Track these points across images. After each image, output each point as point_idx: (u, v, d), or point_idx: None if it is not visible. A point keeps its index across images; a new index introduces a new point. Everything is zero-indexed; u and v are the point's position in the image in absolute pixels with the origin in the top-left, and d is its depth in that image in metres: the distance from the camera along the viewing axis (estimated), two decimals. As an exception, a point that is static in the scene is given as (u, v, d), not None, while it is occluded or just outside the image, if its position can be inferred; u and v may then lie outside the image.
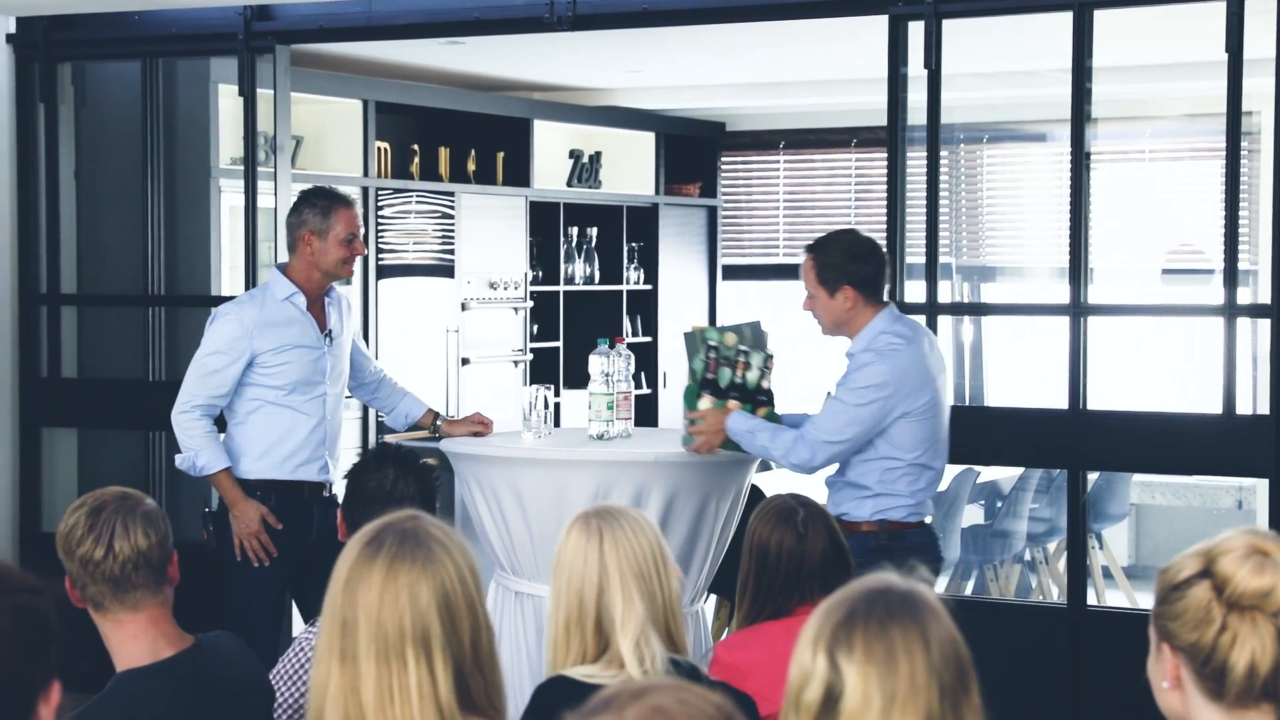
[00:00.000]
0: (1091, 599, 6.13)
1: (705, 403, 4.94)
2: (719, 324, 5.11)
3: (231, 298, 5.49)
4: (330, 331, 5.23)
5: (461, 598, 2.29)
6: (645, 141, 9.54)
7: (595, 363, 5.28)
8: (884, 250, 4.88)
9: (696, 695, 1.57)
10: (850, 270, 4.78)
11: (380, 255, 7.76)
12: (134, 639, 2.93)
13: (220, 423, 5.19)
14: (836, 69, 8.21)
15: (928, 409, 4.79)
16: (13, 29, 6.60)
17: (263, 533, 5.06)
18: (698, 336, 5.01)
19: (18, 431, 6.65)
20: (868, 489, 4.77)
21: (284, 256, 5.38)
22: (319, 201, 5.17)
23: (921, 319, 5.49)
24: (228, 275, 6.69)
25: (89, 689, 2.87)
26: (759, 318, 5.11)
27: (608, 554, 2.97)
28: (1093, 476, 7.70)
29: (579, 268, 9.17)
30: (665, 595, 3.01)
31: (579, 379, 7.58)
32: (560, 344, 8.95)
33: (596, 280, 9.27)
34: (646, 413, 9.08)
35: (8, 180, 6.61)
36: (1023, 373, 9.26)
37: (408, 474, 3.83)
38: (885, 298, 4.85)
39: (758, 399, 4.96)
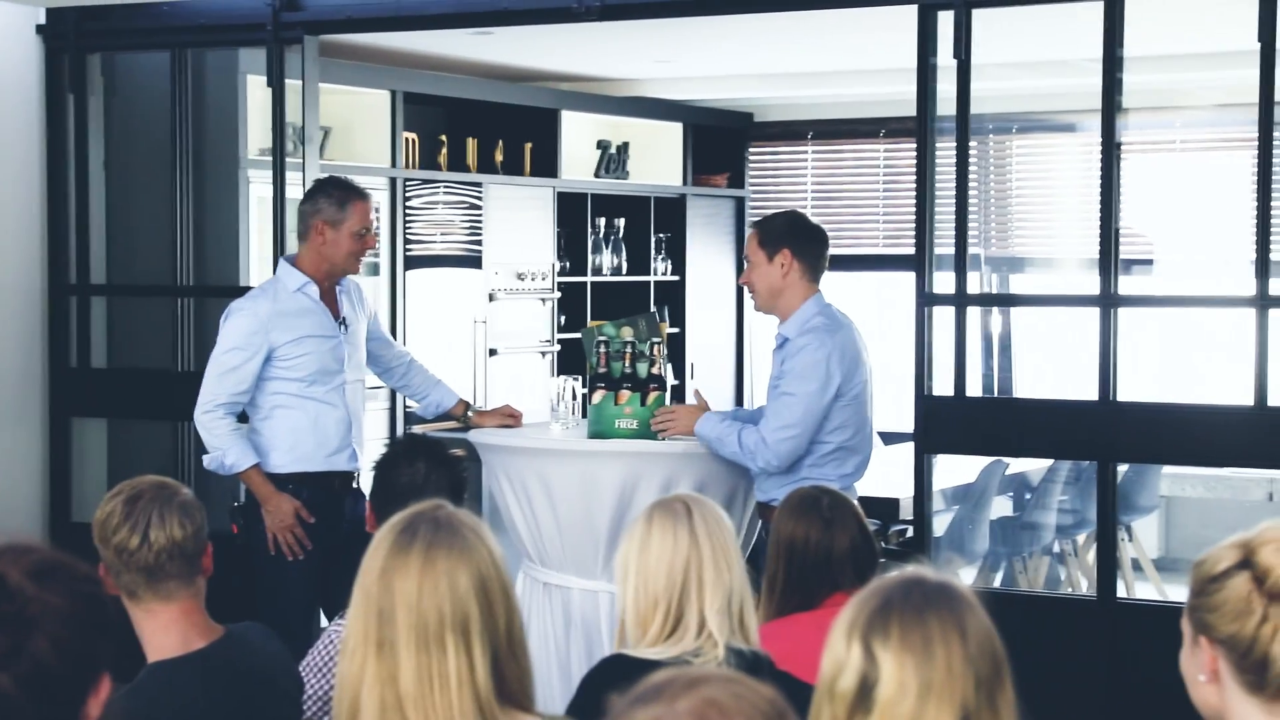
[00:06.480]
0: (1121, 591, 6.09)
1: (598, 396, 5.15)
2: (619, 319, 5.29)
3: (260, 288, 5.48)
4: (344, 319, 5.21)
5: (497, 583, 2.29)
6: (673, 132, 9.52)
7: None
8: (827, 237, 5.04)
9: (749, 688, 1.56)
10: (790, 238, 4.93)
11: (408, 246, 7.75)
12: (165, 629, 2.94)
13: (242, 418, 5.18)
14: (865, 59, 8.18)
15: (859, 392, 4.87)
16: (43, 20, 6.61)
17: (297, 526, 5.05)
18: (592, 334, 5.20)
19: (48, 422, 6.67)
20: (796, 472, 4.80)
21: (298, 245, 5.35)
22: (335, 192, 5.13)
23: (950, 310, 5.48)
24: (256, 266, 6.69)
25: (120, 678, 2.87)
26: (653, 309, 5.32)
27: (698, 529, 2.98)
28: (1122, 468, 7.66)
29: (606, 258, 9.16)
30: (741, 579, 3.02)
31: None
32: (588, 335, 8.94)
33: (624, 271, 9.25)
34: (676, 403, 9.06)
35: (38, 171, 6.62)
36: (1052, 364, 9.22)
37: (439, 467, 3.82)
38: (819, 286, 4.98)
39: (649, 386, 5.16)
